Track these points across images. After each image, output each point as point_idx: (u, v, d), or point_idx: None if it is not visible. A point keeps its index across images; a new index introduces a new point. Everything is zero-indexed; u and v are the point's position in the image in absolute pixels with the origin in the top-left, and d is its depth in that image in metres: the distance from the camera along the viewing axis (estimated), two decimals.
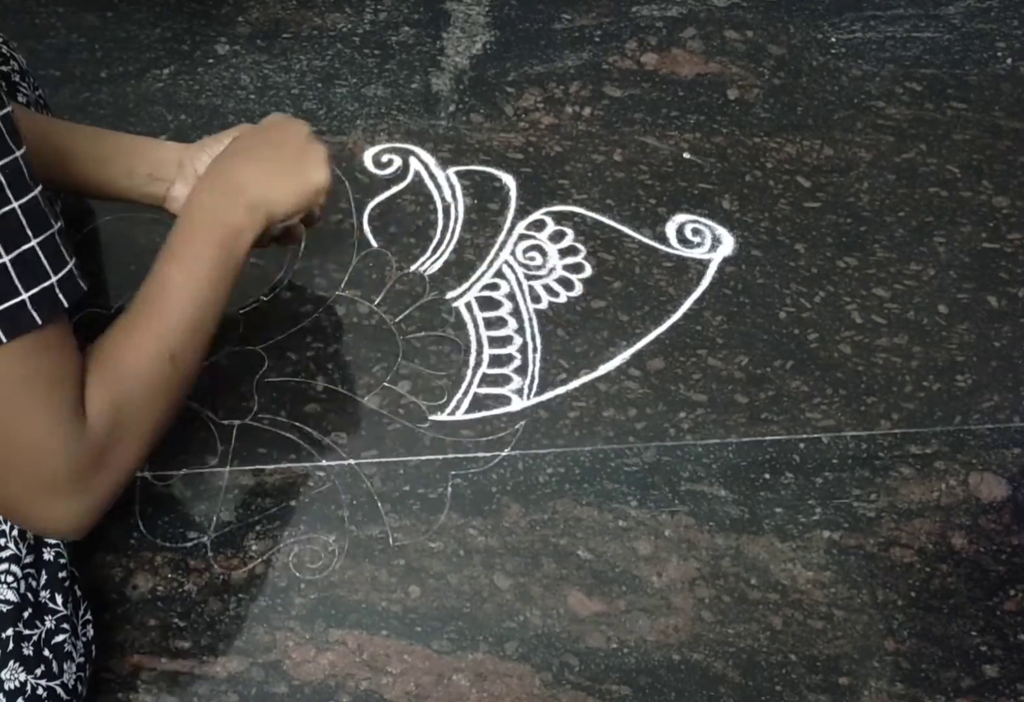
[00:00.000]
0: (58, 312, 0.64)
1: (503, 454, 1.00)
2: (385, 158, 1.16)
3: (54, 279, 0.63)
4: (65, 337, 0.67)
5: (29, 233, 0.61)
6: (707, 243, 1.13)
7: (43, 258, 0.62)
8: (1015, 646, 0.94)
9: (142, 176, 0.89)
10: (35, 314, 0.61)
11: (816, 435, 1.03)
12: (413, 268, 1.09)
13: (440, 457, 0.99)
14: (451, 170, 1.16)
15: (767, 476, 1.00)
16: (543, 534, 0.96)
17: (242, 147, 0.86)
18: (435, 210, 1.13)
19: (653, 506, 0.98)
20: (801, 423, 1.03)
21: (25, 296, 0.61)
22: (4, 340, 0.60)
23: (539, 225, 1.13)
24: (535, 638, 0.91)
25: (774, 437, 1.02)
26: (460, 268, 1.10)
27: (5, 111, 0.59)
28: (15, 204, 0.60)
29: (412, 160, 1.16)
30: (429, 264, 1.10)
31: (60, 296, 0.63)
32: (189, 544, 0.93)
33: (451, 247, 1.11)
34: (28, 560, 0.76)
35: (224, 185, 0.81)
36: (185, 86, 1.19)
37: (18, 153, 0.60)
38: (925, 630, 0.94)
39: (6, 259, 0.60)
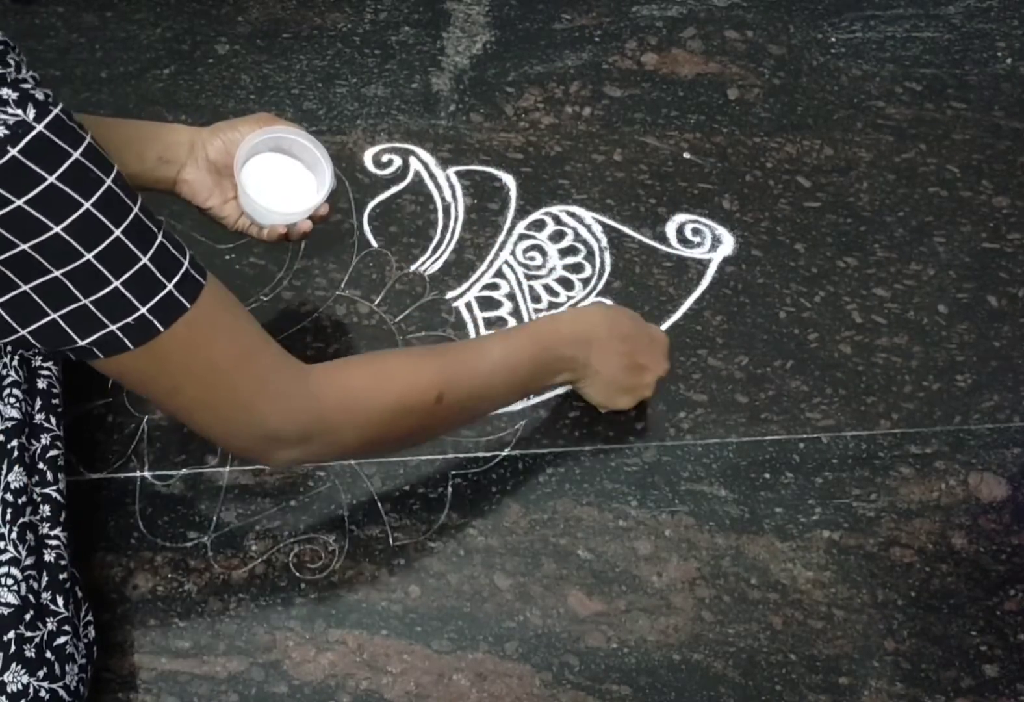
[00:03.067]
0: (204, 275, 0.70)
1: (503, 454, 1.00)
2: (385, 158, 1.16)
3: (186, 262, 0.69)
4: (232, 298, 0.74)
5: (155, 229, 0.67)
6: (707, 243, 1.13)
7: (171, 247, 0.68)
8: (1015, 646, 0.94)
9: (152, 160, 0.89)
10: (199, 276, 0.69)
11: (816, 435, 1.03)
12: (413, 268, 1.09)
13: (440, 457, 0.99)
14: (451, 170, 1.16)
15: (767, 476, 1.00)
16: (543, 534, 0.96)
17: (623, 349, 0.95)
18: (435, 210, 1.13)
19: (653, 506, 0.98)
20: (801, 423, 1.03)
21: (170, 287, 0.67)
22: (188, 305, 0.68)
23: (539, 225, 1.13)
24: (535, 638, 0.91)
25: (774, 437, 1.02)
26: (460, 268, 1.10)
27: (87, 141, 0.63)
28: (136, 207, 0.66)
29: (412, 160, 1.16)
30: (429, 264, 1.10)
31: (195, 274, 0.69)
32: (189, 544, 0.93)
33: (451, 247, 1.11)
34: (29, 562, 0.76)
35: (586, 333, 0.92)
36: (185, 86, 1.19)
37: (109, 178, 0.64)
38: (925, 630, 0.94)
39: (144, 259, 0.65)
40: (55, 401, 0.84)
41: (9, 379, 0.81)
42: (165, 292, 0.66)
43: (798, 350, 1.08)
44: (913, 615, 0.95)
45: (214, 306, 0.70)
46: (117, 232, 0.63)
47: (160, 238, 0.67)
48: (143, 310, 0.66)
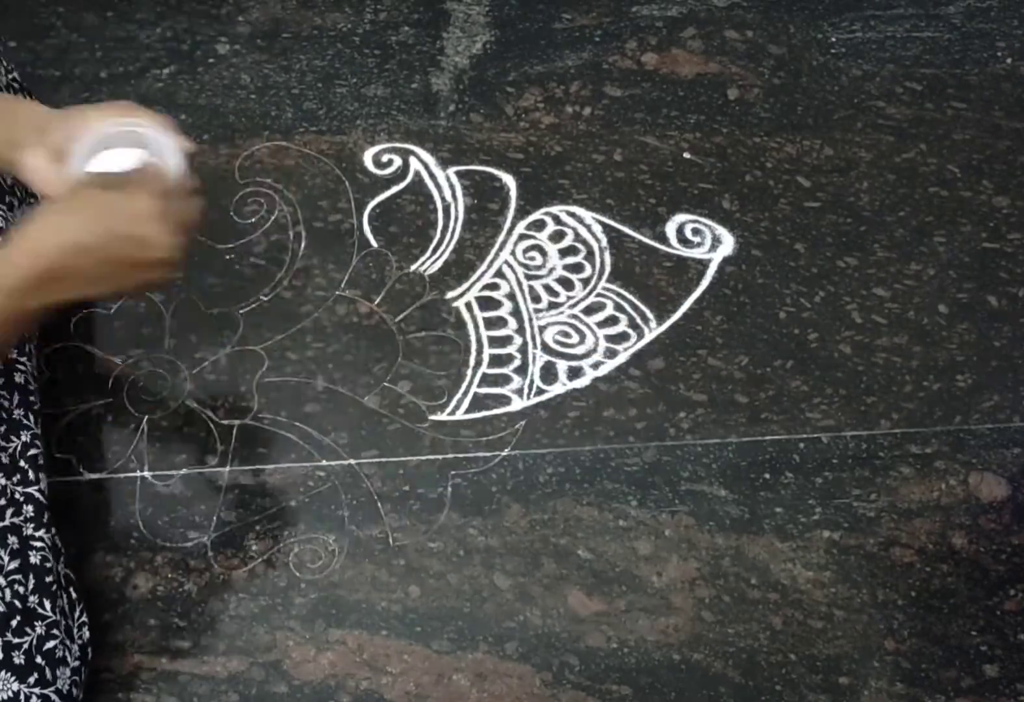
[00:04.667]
0: None
1: (503, 454, 1.00)
2: (385, 158, 1.16)
3: None
4: None
5: None
6: (707, 243, 1.13)
7: None
8: (1015, 646, 0.94)
9: None
10: None
11: (816, 435, 1.03)
12: (413, 268, 1.09)
13: (440, 457, 0.99)
14: (451, 170, 1.16)
15: (767, 476, 1.00)
16: (543, 534, 0.96)
17: (87, 236, 0.71)
18: (435, 210, 1.13)
19: (653, 506, 0.98)
20: (801, 423, 1.03)
21: None
22: None
23: (539, 225, 1.13)
24: (535, 638, 0.91)
25: (774, 437, 1.02)
26: (460, 268, 1.10)
27: None
28: None
29: (412, 160, 1.16)
30: (429, 264, 1.10)
31: None
32: (189, 544, 0.93)
33: (451, 247, 1.11)
34: (13, 566, 0.75)
35: (47, 257, 0.70)
36: (185, 86, 1.19)
37: None
38: (925, 630, 0.94)
39: None
40: (32, 397, 0.81)
41: None
42: None
43: (798, 350, 1.07)
44: (913, 615, 0.95)
45: None
46: None
47: None
48: None
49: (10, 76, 0.93)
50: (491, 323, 1.07)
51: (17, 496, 0.78)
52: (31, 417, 0.81)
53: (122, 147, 0.80)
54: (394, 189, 1.14)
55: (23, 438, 0.80)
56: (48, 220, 0.72)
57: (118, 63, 1.20)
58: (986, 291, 1.13)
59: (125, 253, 0.71)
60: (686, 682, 0.91)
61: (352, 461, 0.98)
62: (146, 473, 0.96)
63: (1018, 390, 1.07)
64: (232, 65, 1.21)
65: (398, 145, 1.17)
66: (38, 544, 0.78)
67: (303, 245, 1.09)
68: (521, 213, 1.13)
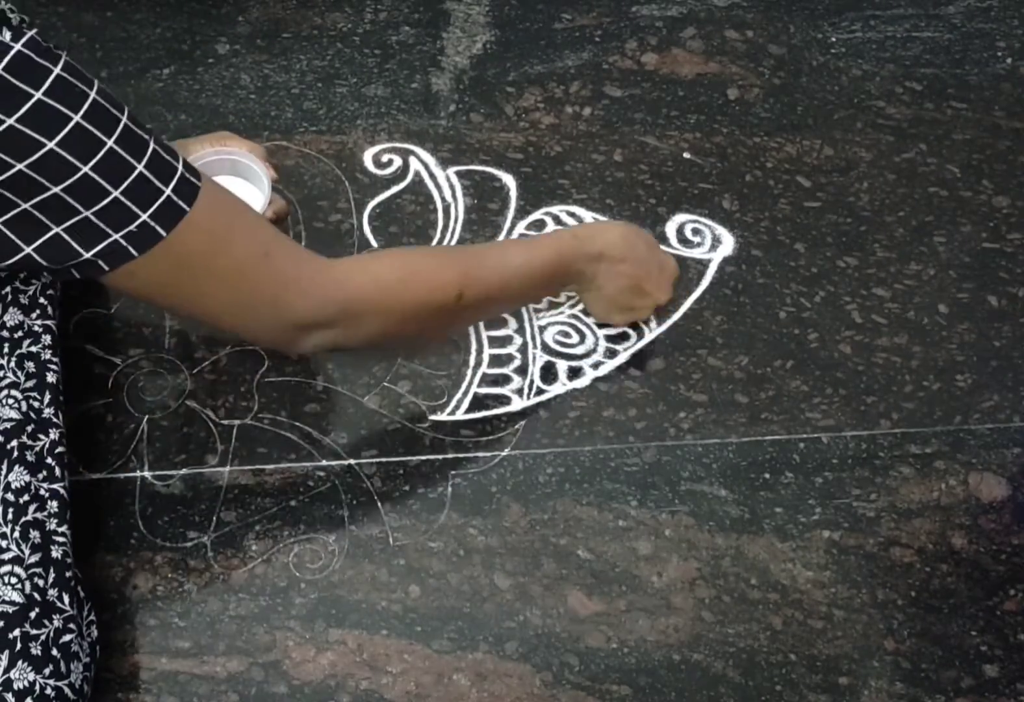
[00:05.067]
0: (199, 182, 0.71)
1: (503, 454, 1.00)
2: (385, 158, 1.16)
3: (180, 165, 0.70)
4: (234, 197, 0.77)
5: (148, 137, 0.68)
6: (707, 243, 1.13)
7: (167, 156, 0.69)
8: (1015, 646, 0.94)
9: None
10: (194, 179, 0.71)
11: (816, 435, 1.03)
12: None
13: (440, 457, 0.99)
14: (451, 170, 1.16)
15: (767, 476, 1.00)
16: (543, 534, 0.96)
17: (631, 273, 0.99)
18: (435, 210, 1.13)
19: (653, 506, 0.98)
20: (801, 423, 1.03)
21: (168, 191, 0.69)
22: (187, 209, 0.70)
23: (539, 225, 1.13)
24: (535, 638, 0.91)
25: (774, 437, 1.02)
26: None
27: (63, 60, 0.65)
28: (124, 118, 0.67)
29: (412, 160, 1.16)
30: None
31: (191, 178, 0.71)
32: (189, 544, 0.93)
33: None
34: (34, 559, 0.76)
35: (601, 250, 0.96)
36: (185, 86, 1.19)
37: (93, 91, 0.66)
38: (925, 630, 0.94)
39: (140, 167, 0.67)
40: (61, 397, 0.85)
41: (6, 380, 0.81)
42: (164, 198, 0.68)
43: (798, 350, 1.08)
44: (913, 615, 0.95)
45: (215, 207, 0.72)
46: (110, 142, 0.65)
47: (152, 145, 0.68)
48: (144, 217, 0.68)
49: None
50: (491, 323, 1.07)
51: (42, 492, 0.80)
52: (60, 416, 0.84)
53: (222, 175, 0.90)
54: (394, 189, 1.14)
55: (52, 436, 0.82)
56: (601, 223, 1.07)
57: (118, 63, 1.20)
58: (986, 291, 1.13)
59: (651, 265, 1.00)
60: (686, 682, 0.91)
61: (352, 461, 0.98)
62: (146, 473, 0.96)
63: (1018, 390, 1.07)
64: (232, 65, 1.21)
65: (398, 145, 1.17)
66: (60, 539, 0.79)
67: (303, 245, 1.09)
68: (521, 213, 1.13)
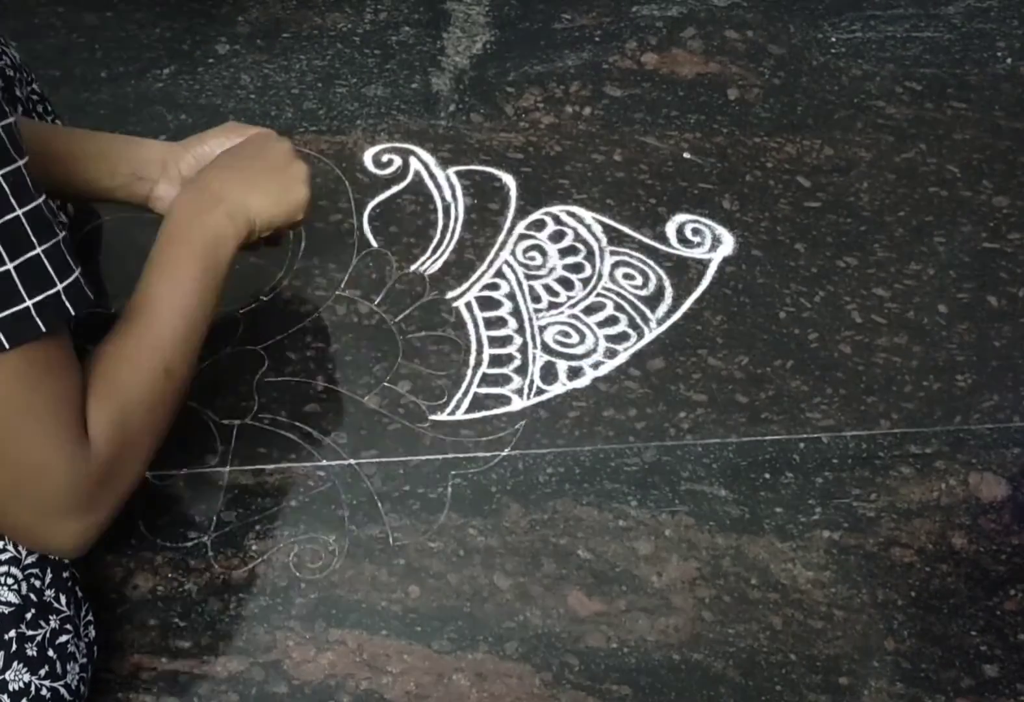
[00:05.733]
0: (62, 321, 0.64)
1: (503, 454, 1.00)
2: (385, 158, 1.16)
3: (60, 286, 0.63)
4: (68, 354, 0.67)
5: (34, 240, 0.61)
6: (707, 243, 1.13)
7: (48, 266, 0.62)
8: (1015, 646, 0.94)
9: (125, 176, 0.89)
10: (39, 321, 0.61)
11: (816, 435, 1.03)
12: (413, 268, 1.09)
13: (440, 457, 0.99)
14: (451, 170, 1.16)
15: (767, 476, 1.00)
16: (543, 534, 0.96)
17: (224, 160, 0.87)
18: (435, 210, 1.13)
19: (653, 506, 0.98)
20: (801, 423, 1.03)
21: (29, 303, 0.61)
22: (6, 346, 0.60)
23: (539, 225, 1.13)
24: (535, 638, 0.91)
25: (774, 437, 1.02)
26: (460, 268, 1.10)
27: (7, 122, 0.60)
28: (19, 211, 0.60)
29: (412, 160, 1.16)
30: (429, 264, 1.10)
31: (66, 304, 0.63)
32: (189, 544, 0.93)
33: (451, 247, 1.11)
34: (30, 560, 0.76)
35: (204, 195, 0.83)
36: (185, 86, 1.19)
37: (20, 162, 0.60)
38: (925, 630, 0.94)
39: (10, 266, 0.60)
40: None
41: None
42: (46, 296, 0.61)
43: (798, 350, 1.08)
44: (913, 615, 0.95)
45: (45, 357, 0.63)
46: (19, 212, 0.60)
47: (57, 240, 0.63)
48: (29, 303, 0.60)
49: (29, 88, 0.95)
50: (491, 323, 1.07)
51: None
52: None
53: None
54: (394, 189, 1.14)
55: None
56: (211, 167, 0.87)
57: (118, 63, 1.21)
58: (986, 291, 1.13)
59: (264, 156, 0.87)
60: (686, 682, 0.91)
61: (352, 461, 0.98)
62: (146, 473, 0.96)
63: (1018, 390, 1.07)
64: (232, 65, 1.21)
65: (398, 145, 1.17)
66: None
67: (303, 245, 1.09)
68: (521, 213, 1.13)
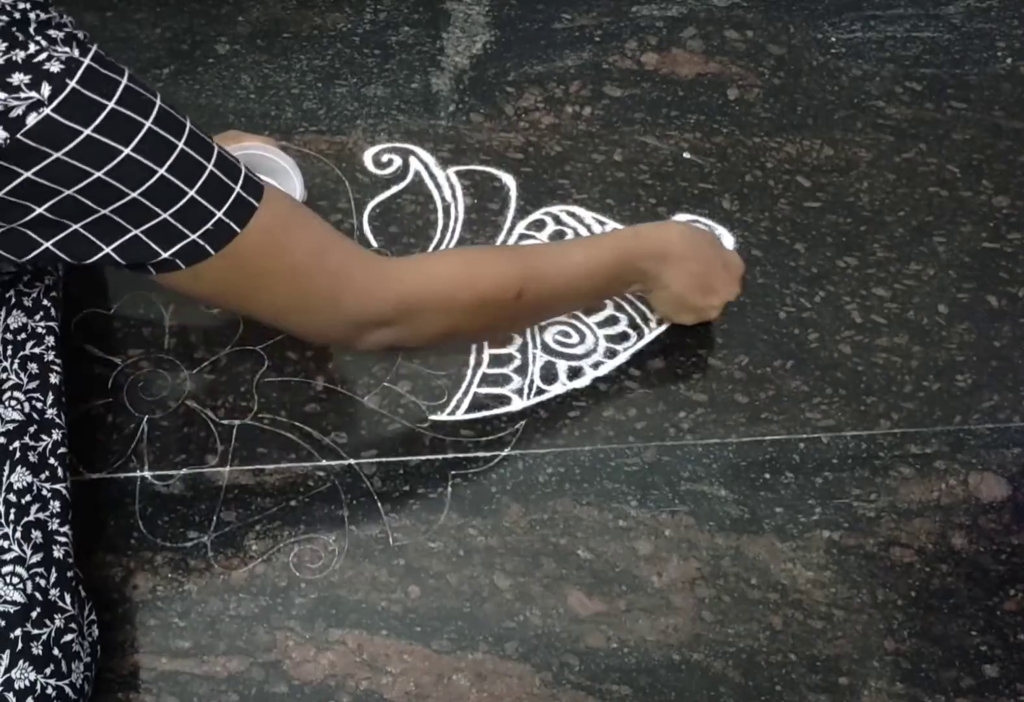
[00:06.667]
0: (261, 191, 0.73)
1: (503, 454, 1.00)
2: (385, 158, 1.16)
3: (244, 168, 0.73)
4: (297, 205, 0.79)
5: (203, 161, 0.70)
6: None
7: (232, 159, 0.72)
8: (1015, 646, 0.94)
9: None
10: (250, 198, 0.72)
11: (816, 435, 1.03)
12: None
13: (440, 457, 0.99)
14: (451, 170, 1.16)
15: (767, 476, 1.00)
16: (543, 534, 0.96)
17: (699, 267, 0.98)
18: (435, 210, 1.13)
19: (653, 506, 0.98)
20: (801, 423, 1.03)
21: (238, 188, 0.71)
22: (257, 204, 0.71)
23: (539, 225, 1.13)
24: (535, 638, 0.91)
25: (774, 437, 1.02)
26: None
27: (128, 73, 0.67)
28: (181, 144, 0.68)
29: (412, 160, 1.16)
30: None
31: (254, 178, 0.73)
32: (189, 544, 0.93)
33: (451, 247, 1.11)
34: (35, 559, 0.77)
35: (664, 248, 0.95)
36: (185, 86, 1.19)
37: (158, 100, 0.68)
38: (925, 630, 0.94)
39: (210, 167, 0.69)
40: (64, 398, 0.85)
41: (9, 382, 0.81)
42: (235, 195, 0.70)
43: (798, 350, 1.08)
44: (913, 615, 0.95)
45: (279, 204, 0.74)
46: (180, 145, 0.68)
47: (216, 146, 0.71)
48: (219, 214, 0.70)
49: None
50: None
51: (44, 492, 0.80)
52: (62, 417, 0.84)
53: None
54: (394, 189, 1.14)
55: (54, 436, 0.83)
56: (663, 222, 1.06)
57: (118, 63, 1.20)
58: (986, 291, 1.13)
59: (716, 262, 0.98)
60: (686, 682, 0.91)
61: (352, 461, 0.98)
62: (146, 473, 0.96)
63: (1018, 390, 1.07)
64: (232, 65, 1.21)
65: (398, 145, 1.17)
66: (62, 539, 0.80)
67: None
68: (521, 213, 1.13)
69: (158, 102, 0.68)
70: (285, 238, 0.74)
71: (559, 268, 0.90)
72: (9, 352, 0.83)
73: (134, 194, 0.66)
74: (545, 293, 0.89)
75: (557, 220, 1.13)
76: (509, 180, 1.15)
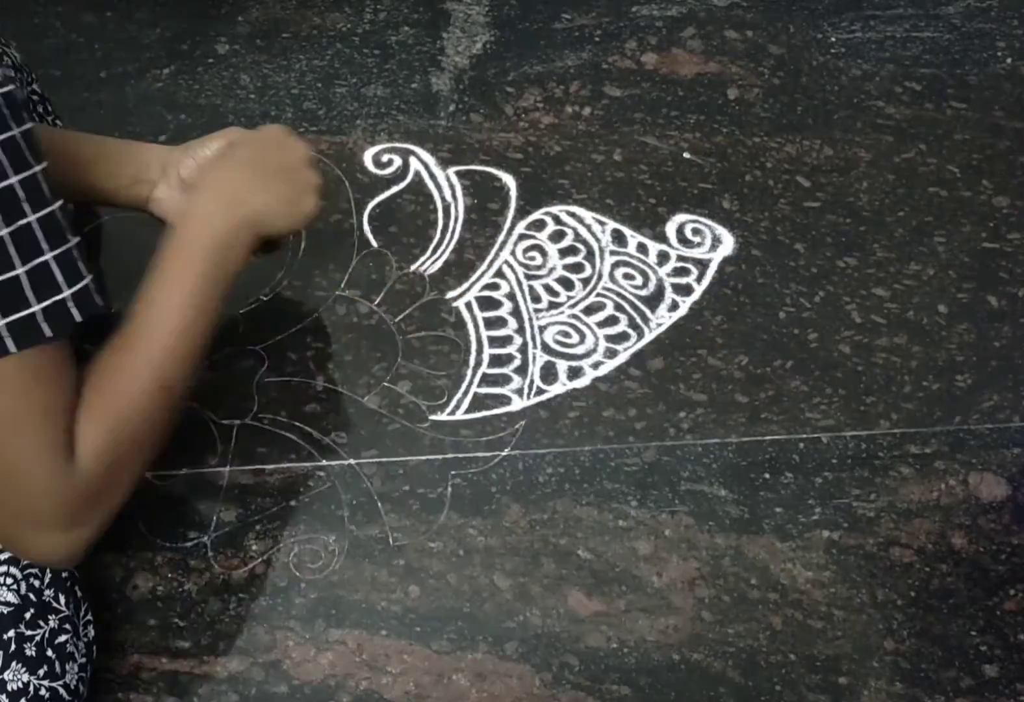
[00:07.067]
0: (69, 328, 0.63)
1: (503, 454, 1.00)
2: (385, 158, 1.16)
3: (67, 292, 0.62)
4: (65, 363, 0.66)
5: (45, 246, 0.61)
6: (707, 243, 1.13)
7: (58, 272, 0.62)
8: (1015, 646, 0.94)
9: (125, 178, 0.89)
10: (45, 326, 0.61)
11: (816, 435, 1.03)
12: (413, 268, 1.09)
13: (440, 457, 0.99)
14: (451, 170, 1.16)
15: (767, 476, 1.00)
16: (543, 534, 0.96)
17: (243, 160, 0.84)
18: (435, 210, 1.13)
19: (653, 506, 0.98)
20: (801, 423, 1.03)
21: (37, 308, 0.61)
22: (14, 350, 0.60)
23: (539, 225, 1.13)
24: (535, 638, 0.91)
25: (774, 437, 1.02)
26: (460, 268, 1.10)
27: (26, 127, 0.60)
28: (32, 218, 0.60)
29: (412, 160, 1.16)
30: (429, 264, 1.10)
31: (73, 310, 0.63)
32: (189, 544, 0.93)
33: (451, 247, 1.11)
34: None
35: (218, 197, 0.80)
36: (185, 86, 1.19)
37: (37, 168, 0.61)
38: (925, 630, 0.94)
39: (20, 271, 0.60)
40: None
41: None
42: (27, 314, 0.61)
43: (798, 350, 1.08)
44: (913, 615, 0.95)
45: (32, 359, 0.63)
46: (32, 218, 0.60)
47: (69, 246, 0.63)
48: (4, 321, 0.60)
49: (29, 88, 0.95)
50: (491, 323, 1.07)
51: None
52: None
53: None
54: (394, 189, 1.14)
55: None
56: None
57: (118, 63, 1.20)
58: (986, 291, 1.13)
59: (281, 160, 0.84)
60: (686, 682, 0.91)
61: (352, 461, 0.98)
62: (146, 473, 0.96)
63: (1018, 390, 1.07)
64: (232, 65, 1.21)
65: (398, 145, 1.17)
66: None
67: (303, 245, 1.09)
68: (521, 213, 1.13)
69: (38, 169, 0.60)
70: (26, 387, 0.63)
71: (165, 328, 0.74)
72: None
73: None
74: (177, 361, 0.74)
75: (557, 220, 1.13)
76: (509, 180, 1.15)
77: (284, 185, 0.84)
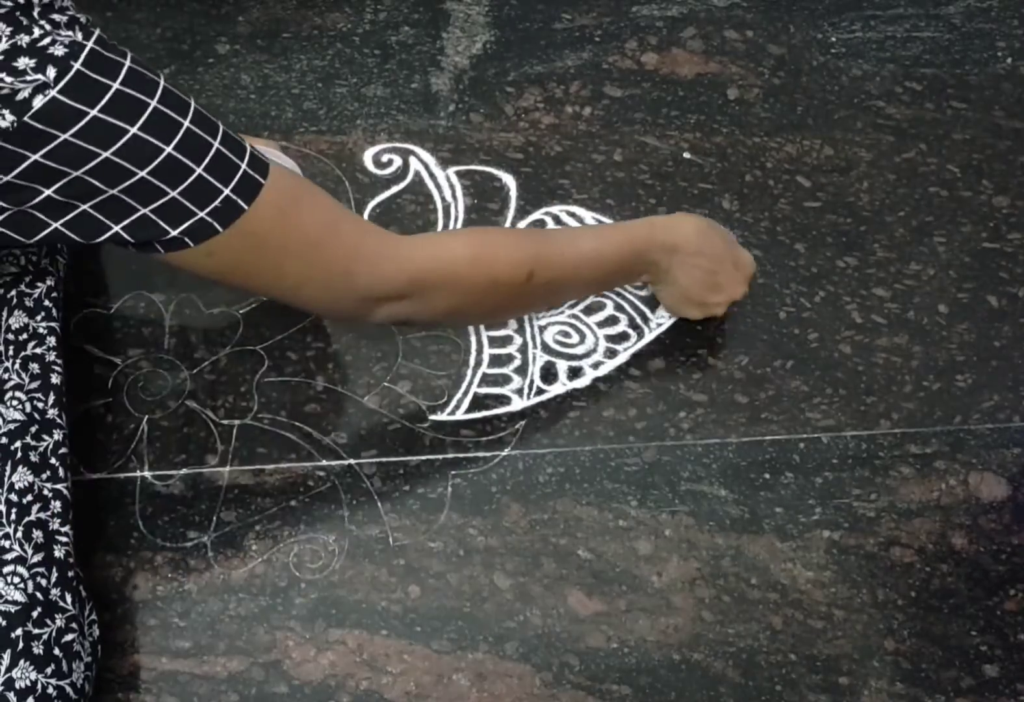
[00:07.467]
0: (267, 168, 0.73)
1: (503, 454, 1.00)
2: (385, 158, 1.16)
3: (247, 156, 0.72)
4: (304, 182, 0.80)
5: (209, 139, 0.70)
6: None
7: (229, 152, 0.71)
8: (1015, 646, 0.94)
9: None
10: (256, 176, 0.72)
11: (816, 435, 1.03)
12: None
13: (440, 457, 0.99)
14: (451, 170, 1.16)
15: (767, 476, 1.00)
16: (543, 534, 0.96)
17: (716, 256, 0.98)
18: (435, 210, 1.13)
19: (653, 506, 0.98)
20: (801, 423, 1.03)
21: (244, 166, 0.71)
22: (264, 181, 0.72)
23: (539, 225, 1.13)
24: (535, 638, 0.91)
25: (774, 437, 1.02)
26: None
27: (129, 56, 0.67)
28: (187, 123, 0.69)
29: (412, 160, 1.16)
30: None
31: (261, 157, 0.74)
32: (189, 544, 0.93)
33: None
34: (36, 559, 0.77)
35: (676, 242, 0.95)
36: (185, 86, 1.19)
37: (161, 80, 0.69)
38: (925, 630, 0.94)
39: (216, 146, 0.70)
40: (64, 398, 0.86)
41: (11, 382, 0.81)
42: (241, 172, 0.71)
43: (798, 350, 1.08)
44: (913, 615, 0.95)
45: (286, 180, 0.75)
46: (186, 123, 0.68)
47: (221, 125, 0.71)
48: (226, 191, 0.70)
49: None
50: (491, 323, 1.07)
51: (46, 492, 0.80)
52: (63, 417, 0.84)
53: None
54: (394, 189, 1.14)
55: (55, 436, 0.83)
56: (678, 214, 1.02)
57: None
58: (986, 291, 1.13)
59: (727, 260, 0.98)
60: (686, 682, 0.91)
61: (352, 461, 0.98)
62: (146, 473, 0.96)
63: (1018, 390, 1.07)
64: (232, 65, 1.21)
65: (398, 145, 1.17)
66: (63, 539, 0.80)
67: None
68: (521, 213, 1.13)
69: (162, 82, 0.68)
70: (294, 213, 0.75)
71: (570, 253, 0.90)
72: (11, 352, 0.83)
73: (142, 173, 0.67)
74: (555, 278, 0.89)
75: (557, 220, 1.13)
76: (509, 180, 1.15)
77: (705, 295, 1.00)
